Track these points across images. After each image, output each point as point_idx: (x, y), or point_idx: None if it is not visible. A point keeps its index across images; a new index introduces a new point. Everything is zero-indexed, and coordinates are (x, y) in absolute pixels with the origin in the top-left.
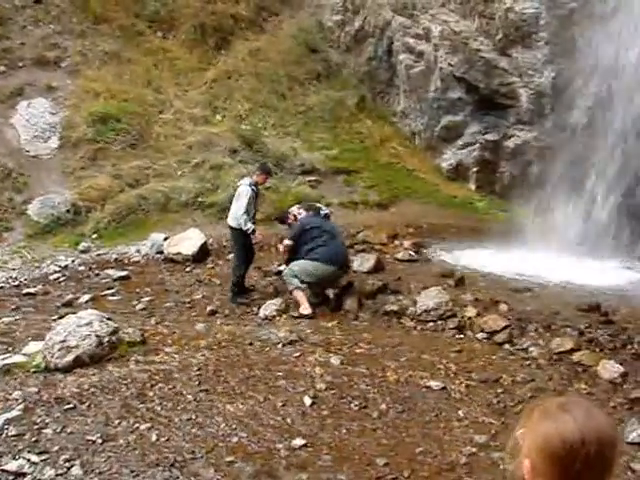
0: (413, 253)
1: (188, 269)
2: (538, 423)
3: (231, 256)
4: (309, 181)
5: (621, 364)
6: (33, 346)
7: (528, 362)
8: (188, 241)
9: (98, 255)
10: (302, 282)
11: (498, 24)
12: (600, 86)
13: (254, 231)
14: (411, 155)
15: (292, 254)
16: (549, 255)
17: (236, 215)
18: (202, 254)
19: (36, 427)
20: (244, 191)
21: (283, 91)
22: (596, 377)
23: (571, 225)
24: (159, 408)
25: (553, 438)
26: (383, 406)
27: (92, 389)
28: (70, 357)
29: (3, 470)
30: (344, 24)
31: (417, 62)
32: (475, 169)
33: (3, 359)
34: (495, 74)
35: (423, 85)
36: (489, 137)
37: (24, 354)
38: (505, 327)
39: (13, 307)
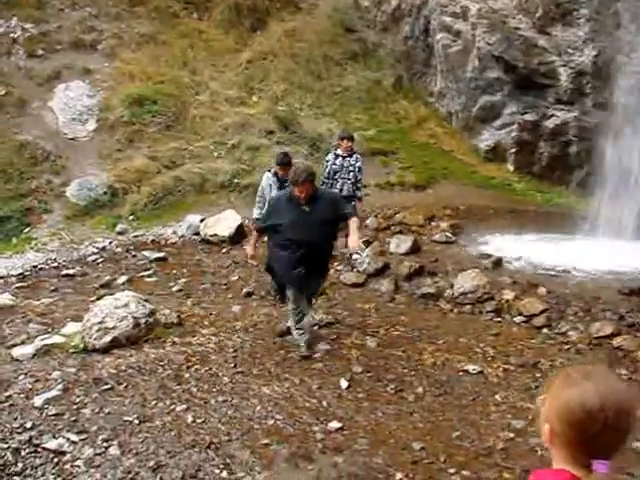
0: (450, 235)
1: (224, 250)
2: (560, 390)
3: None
4: None
5: None
6: (72, 327)
7: (567, 346)
8: (224, 222)
9: (135, 237)
10: None
11: (538, 1)
12: None
13: (255, 220)
14: (448, 136)
15: None
16: (590, 238)
17: None
18: (238, 235)
19: (75, 407)
20: (262, 179)
21: (319, 72)
22: (637, 362)
23: (613, 208)
24: (195, 390)
25: (573, 403)
26: (419, 389)
27: (129, 370)
28: (107, 338)
29: (44, 448)
30: (380, 3)
31: (454, 41)
32: (513, 150)
33: (43, 340)
34: (534, 53)
35: (460, 65)
36: (528, 117)
37: (63, 335)
38: (543, 310)
39: (52, 288)
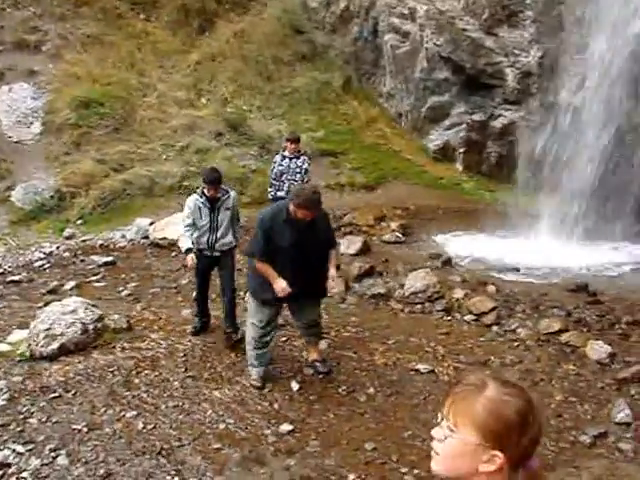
0: (400, 235)
1: (174, 254)
2: (483, 410)
3: None
4: None
5: (609, 344)
6: (18, 334)
7: (516, 343)
8: (174, 226)
9: (83, 241)
10: None
11: (484, 3)
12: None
13: (188, 250)
14: (397, 136)
15: None
16: (537, 237)
17: None
18: None
19: (21, 417)
20: (188, 201)
21: (268, 73)
22: (584, 357)
23: (558, 206)
24: (145, 395)
25: (513, 416)
26: (371, 390)
27: (78, 377)
28: (55, 345)
29: None
30: (329, 4)
31: (403, 42)
32: (462, 150)
33: None
34: (481, 54)
35: (409, 66)
36: (476, 117)
37: (9, 343)
38: (493, 309)
39: None
